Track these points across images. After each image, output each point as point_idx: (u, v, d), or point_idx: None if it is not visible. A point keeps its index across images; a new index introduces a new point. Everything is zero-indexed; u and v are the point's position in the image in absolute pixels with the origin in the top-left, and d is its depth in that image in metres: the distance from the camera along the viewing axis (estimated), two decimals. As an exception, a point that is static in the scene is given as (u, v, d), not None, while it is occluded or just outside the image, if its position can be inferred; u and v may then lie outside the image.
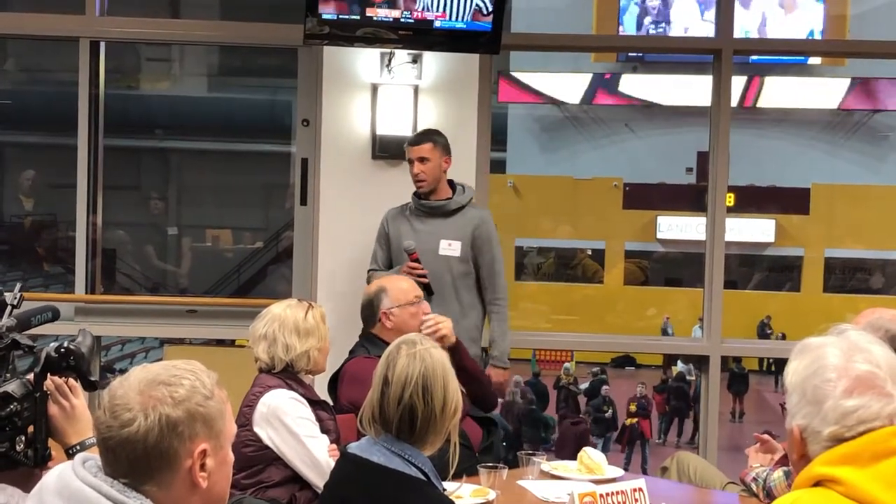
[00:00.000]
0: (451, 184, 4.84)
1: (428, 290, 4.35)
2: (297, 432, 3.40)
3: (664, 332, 15.95)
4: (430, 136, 4.81)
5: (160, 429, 1.71)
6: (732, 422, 15.62)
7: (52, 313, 2.40)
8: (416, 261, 4.57)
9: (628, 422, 14.38)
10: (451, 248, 4.73)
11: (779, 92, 19.44)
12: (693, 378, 15.23)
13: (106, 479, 1.72)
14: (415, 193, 4.82)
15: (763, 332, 16.33)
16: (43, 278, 12.21)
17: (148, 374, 1.77)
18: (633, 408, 14.42)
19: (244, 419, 3.40)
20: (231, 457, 1.83)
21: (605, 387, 14.62)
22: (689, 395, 14.94)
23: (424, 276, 4.51)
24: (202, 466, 1.75)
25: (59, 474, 1.76)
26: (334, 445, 3.44)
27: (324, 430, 3.48)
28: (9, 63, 15.84)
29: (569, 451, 9.24)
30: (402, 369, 2.64)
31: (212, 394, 1.78)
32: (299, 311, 3.55)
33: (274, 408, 3.41)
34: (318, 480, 3.31)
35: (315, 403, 3.54)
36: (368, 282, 4.81)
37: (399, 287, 4.03)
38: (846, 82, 19.34)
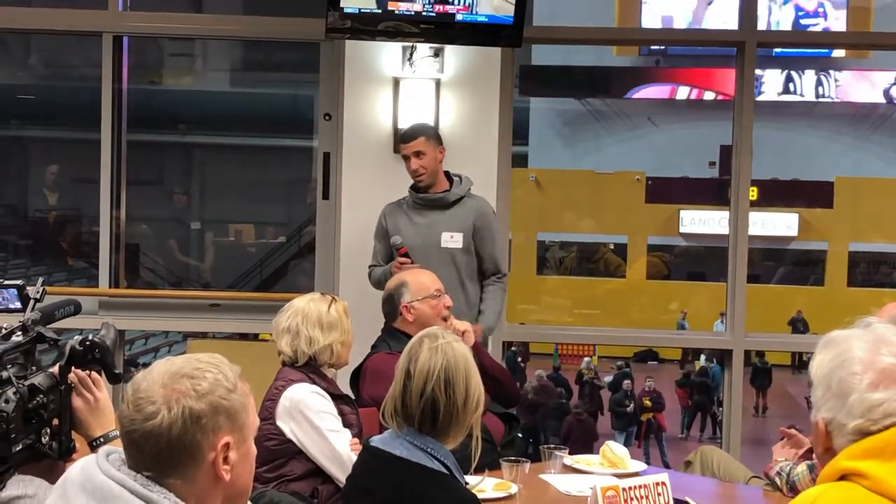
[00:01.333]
0: (448, 175, 4.79)
1: None
2: (319, 426, 3.41)
3: (680, 329, 15.88)
4: (422, 129, 4.76)
5: (184, 422, 1.71)
6: (755, 416, 15.56)
7: (74, 307, 2.41)
8: (405, 255, 4.52)
9: (644, 417, 14.36)
10: (453, 240, 4.68)
11: (803, 85, 19.35)
12: (709, 367, 15.21)
13: (129, 472, 1.72)
14: (412, 187, 4.77)
15: (795, 327, 16.19)
16: (67, 273, 12.29)
17: (171, 367, 1.77)
18: (647, 402, 14.40)
19: (267, 413, 3.40)
20: (254, 450, 1.84)
21: (626, 381, 14.59)
22: (712, 390, 14.90)
23: None
24: (225, 459, 1.75)
25: (83, 468, 1.76)
26: (356, 440, 3.44)
27: (346, 425, 3.48)
28: (32, 58, 15.94)
29: (576, 445, 9.23)
30: (425, 362, 2.63)
31: (235, 387, 1.78)
32: (322, 305, 3.55)
33: (296, 402, 3.42)
34: (341, 474, 3.31)
35: (337, 397, 3.54)
36: (369, 278, 4.81)
37: (419, 280, 4.02)
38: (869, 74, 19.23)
